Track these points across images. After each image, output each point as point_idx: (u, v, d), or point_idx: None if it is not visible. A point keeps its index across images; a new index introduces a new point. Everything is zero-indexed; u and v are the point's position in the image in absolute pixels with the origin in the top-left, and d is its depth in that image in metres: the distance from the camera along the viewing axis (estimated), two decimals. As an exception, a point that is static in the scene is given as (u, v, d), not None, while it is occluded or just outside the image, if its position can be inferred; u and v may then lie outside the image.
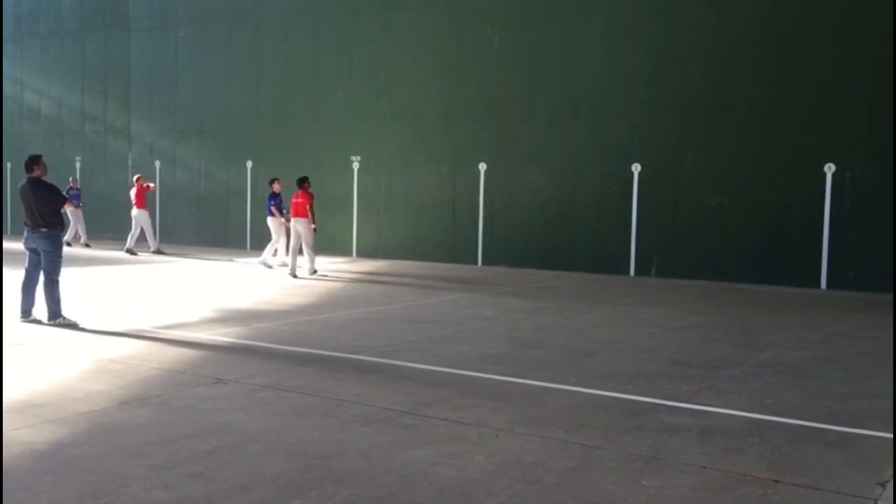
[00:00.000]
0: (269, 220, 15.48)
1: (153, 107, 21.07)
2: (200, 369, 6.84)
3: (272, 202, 15.38)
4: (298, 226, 14.20)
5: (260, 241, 19.18)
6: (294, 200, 14.38)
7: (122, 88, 21.57)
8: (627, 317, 10.29)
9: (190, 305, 10.53)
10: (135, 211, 18.13)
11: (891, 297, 12.26)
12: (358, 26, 17.87)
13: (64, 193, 9.61)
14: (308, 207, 14.16)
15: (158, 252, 18.21)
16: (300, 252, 14.32)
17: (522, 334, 8.85)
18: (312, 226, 14.27)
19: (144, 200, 18.19)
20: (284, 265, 15.03)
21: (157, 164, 20.92)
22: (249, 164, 19.52)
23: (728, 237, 14.06)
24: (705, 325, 9.68)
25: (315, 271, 14.30)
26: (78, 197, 20.97)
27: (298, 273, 14.04)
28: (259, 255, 16.01)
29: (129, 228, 18.32)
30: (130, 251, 17.91)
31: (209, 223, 20.05)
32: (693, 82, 14.38)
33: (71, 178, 20.74)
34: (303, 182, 14.29)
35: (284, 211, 15.23)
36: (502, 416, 5.58)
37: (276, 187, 15.42)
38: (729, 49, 14.05)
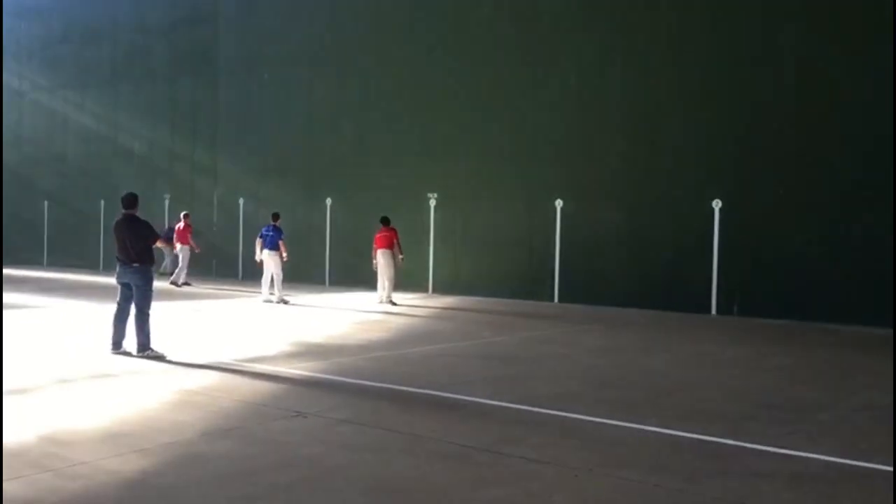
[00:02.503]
0: (272, 254, 15.69)
1: (238, 146, 21.76)
2: (281, 402, 6.95)
3: (281, 236, 15.84)
4: (383, 258, 15.49)
5: (339, 276, 19.52)
6: (379, 235, 15.69)
7: (209, 128, 22.37)
8: (708, 356, 10.02)
9: (270, 339, 10.73)
10: (178, 247, 19.34)
11: None
12: (434, 65, 18.14)
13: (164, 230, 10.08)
14: (395, 241, 15.61)
15: (185, 285, 18.76)
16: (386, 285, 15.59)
17: (599, 372, 8.72)
18: (400, 257, 15.72)
19: (188, 237, 19.43)
20: (271, 300, 15.51)
21: (241, 200, 21.53)
22: (329, 201, 19.91)
23: (813, 275, 13.59)
24: (791, 366, 9.35)
25: (393, 303, 15.44)
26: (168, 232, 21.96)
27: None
28: (338, 292, 16.20)
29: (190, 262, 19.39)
30: (176, 283, 18.86)
31: (290, 261, 20.45)
32: (773, 118, 14.05)
33: (183, 213, 21.57)
34: (387, 220, 15.76)
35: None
36: (580, 455, 5.48)
37: (278, 222, 16.05)
38: (814, 85, 13.71)
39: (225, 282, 20.20)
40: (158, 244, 9.56)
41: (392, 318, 13.61)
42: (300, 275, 20.23)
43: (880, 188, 13.08)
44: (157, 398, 7.05)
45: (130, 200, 9.46)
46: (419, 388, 7.64)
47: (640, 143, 15.50)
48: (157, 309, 9.69)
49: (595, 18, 16.01)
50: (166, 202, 23.11)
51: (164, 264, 21.33)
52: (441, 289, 17.94)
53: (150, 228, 9.49)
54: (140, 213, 9.58)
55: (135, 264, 9.20)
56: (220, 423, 6.19)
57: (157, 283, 9.88)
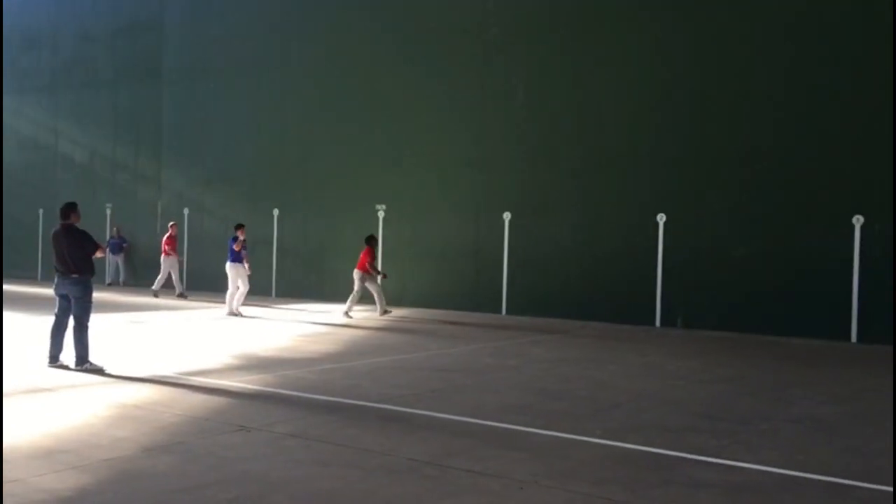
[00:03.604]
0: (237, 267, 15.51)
1: (183, 155, 21.45)
2: (224, 416, 6.84)
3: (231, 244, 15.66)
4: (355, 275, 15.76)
5: (286, 288, 19.32)
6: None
7: (153, 137, 22.00)
8: (653, 368, 10.17)
9: (214, 352, 10.57)
10: (164, 256, 19.01)
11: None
12: (382, 77, 18.14)
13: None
14: (366, 261, 15.76)
15: (181, 297, 18.57)
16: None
17: (546, 385, 8.78)
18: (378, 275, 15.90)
19: (174, 246, 19.01)
20: (234, 314, 15.22)
21: (186, 211, 21.20)
22: (276, 212, 19.73)
23: (755, 288, 13.91)
24: (733, 378, 9.53)
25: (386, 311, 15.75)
26: (118, 246, 21.51)
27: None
28: (285, 303, 16.07)
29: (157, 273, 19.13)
30: (183, 296, 18.80)
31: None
32: (715, 133, 14.39)
33: (114, 228, 21.40)
34: (366, 239, 15.93)
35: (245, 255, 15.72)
36: (526, 467, 5.51)
37: (242, 234, 15.74)
38: (752, 99, 14.08)
39: (169, 293, 19.81)
40: (98, 254, 9.34)
41: (340, 330, 13.53)
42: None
43: (820, 201, 13.46)
44: (95, 413, 6.88)
45: (69, 210, 9.25)
46: (366, 400, 7.60)
47: (587, 156, 15.71)
48: (98, 321, 9.47)
49: (543, 34, 16.20)
50: (108, 212, 22.65)
51: (117, 275, 21.05)
52: (389, 301, 17.83)
53: (90, 238, 9.28)
54: (80, 223, 9.37)
55: (73, 275, 8.99)
56: (161, 439, 6.06)
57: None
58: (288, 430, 6.38)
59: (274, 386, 8.27)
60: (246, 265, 15.70)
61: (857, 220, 13.12)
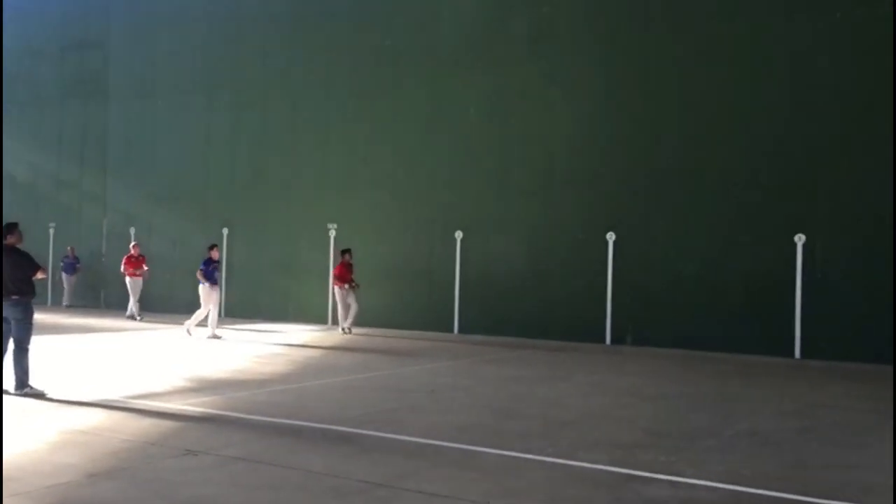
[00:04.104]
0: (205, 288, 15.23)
1: (130, 173, 21.11)
2: (171, 440, 6.70)
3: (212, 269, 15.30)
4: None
5: (236, 308, 19.06)
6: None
7: (98, 155, 21.63)
8: (603, 386, 10.26)
9: (162, 374, 10.37)
10: (129, 280, 18.34)
11: (862, 366, 12.36)
12: (334, 96, 18.13)
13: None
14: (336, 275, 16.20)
15: (131, 318, 18.18)
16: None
17: (498, 404, 8.79)
18: (346, 287, 16.05)
19: (132, 268, 18.29)
20: (216, 337, 14.85)
21: (132, 230, 20.84)
22: (225, 231, 19.51)
23: (702, 306, 14.16)
24: (681, 395, 9.67)
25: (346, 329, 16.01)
26: (72, 266, 20.93)
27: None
28: (234, 324, 15.85)
29: (104, 294, 18.61)
30: (132, 317, 18.25)
31: (184, 290, 19.86)
32: (665, 152, 14.67)
33: (69, 248, 20.85)
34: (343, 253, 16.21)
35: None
36: (478, 487, 5.50)
37: (216, 254, 15.41)
38: (700, 120, 14.40)
39: (116, 314, 19.42)
40: (39, 276, 9.11)
41: (292, 350, 13.39)
42: (194, 306, 19.66)
43: (763, 220, 13.78)
44: (37, 438, 6.68)
45: (9, 230, 9.01)
46: (317, 422, 7.51)
47: (538, 176, 15.86)
48: (41, 343, 9.22)
49: (494, 54, 16.37)
50: (51, 231, 22.15)
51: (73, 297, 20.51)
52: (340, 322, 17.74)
53: (31, 259, 9.04)
54: (22, 243, 9.13)
55: (14, 297, 8.74)
56: (106, 464, 5.91)
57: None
58: (236, 454, 6.28)
59: (223, 408, 8.13)
60: (213, 286, 15.23)
61: (799, 239, 13.45)
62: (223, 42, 19.75)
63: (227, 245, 19.49)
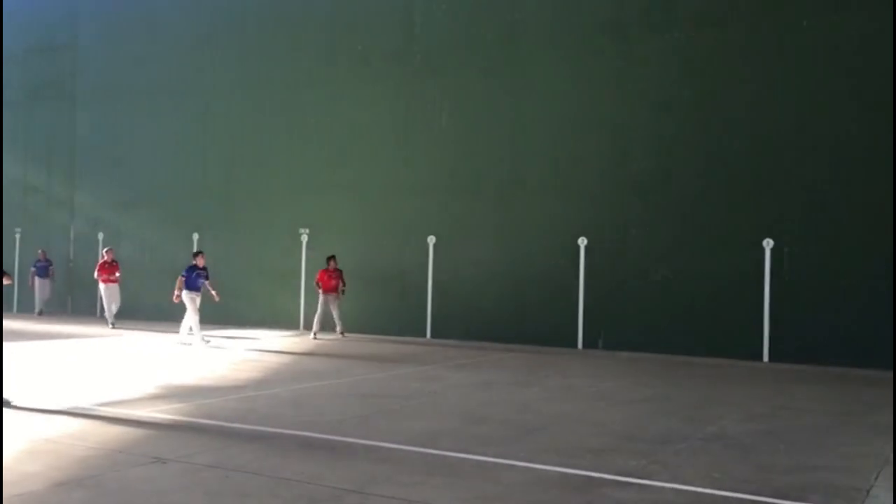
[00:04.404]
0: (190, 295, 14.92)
1: (98, 178, 20.87)
2: (139, 448, 6.63)
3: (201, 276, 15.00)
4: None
5: (206, 314, 18.82)
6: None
7: (66, 159, 21.36)
8: (575, 390, 10.31)
9: (132, 381, 10.25)
10: (102, 287, 17.93)
11: (829, 369, 12.54)
12: (306, 100, 18.07)
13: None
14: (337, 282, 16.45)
15: (110, 325, 17.73)
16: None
17: (471, 409, 8.79)
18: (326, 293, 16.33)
19: (105, 274, 17.85)
20: (206, 340, 14.74)
21: (101, 235, 20.60)
22: (196, 236, 19.35)
23: (673, 310, 14.28)
24: (652, 399, 9.74)
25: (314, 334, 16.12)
26: (45, 269, 20.47)
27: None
28: (205, 329, 15.68)
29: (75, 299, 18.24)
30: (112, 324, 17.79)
31: (153, 296, 19.66)
32: (636, 158, 14.79)
33: (39, 251, 20.40)
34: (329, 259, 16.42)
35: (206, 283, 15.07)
36: (450, 493, 5.50)
37: (201, 261, 15.12)
38: (670, 127, 14.54)
39: (85, 320, 19.18)
40: (5, 281, 8.96)
41: (264, 356, 13.30)
42: (163, 312, 19.48)
43: (732, 225, 13.93)
44: (3, 447, 6.56)
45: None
46: (288, 428, 7.47)
47: (510, 181, 15.92)
48: (7, 350, 9.07)
49: (467, 60, 16.41)
50: (17, 237, 21.82)
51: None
52: (313, 326, 17.65)
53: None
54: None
55: (-21, 304, 8.60)
56: (73, 473, 5.83)
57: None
58: (206, 461, 6.22)
59: (193, 415, 8.06)
60: (179, 293, 14.89)
61: (768, 244, 13.63)
62: (193, 45, 19.61)
63: (197, 250, 19.28)
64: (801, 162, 13.49)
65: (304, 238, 17.98)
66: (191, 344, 14.68)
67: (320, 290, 16.31)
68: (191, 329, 14.99)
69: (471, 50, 16.41)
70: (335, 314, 16.36)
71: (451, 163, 16.50)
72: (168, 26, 20.01)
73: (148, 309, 19.52)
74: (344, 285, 16.51)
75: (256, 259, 18.43)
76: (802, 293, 13.35)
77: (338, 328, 16.40)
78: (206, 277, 15.15)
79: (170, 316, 19.23)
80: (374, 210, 17.23)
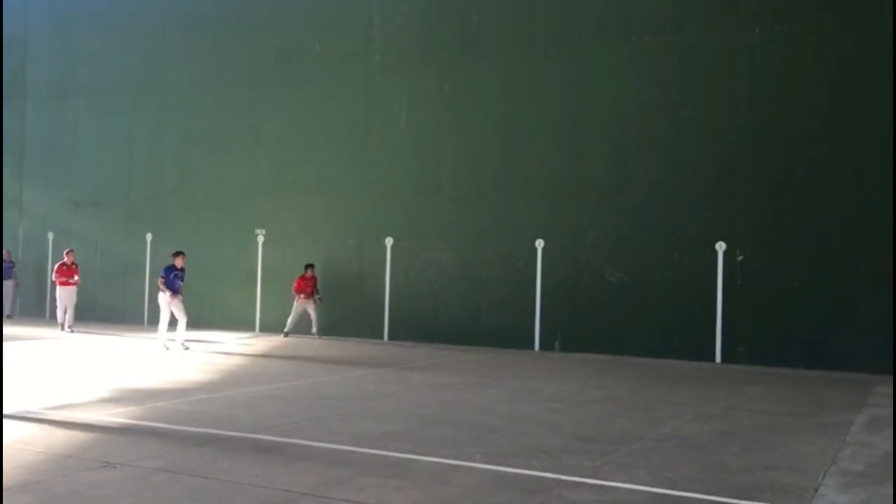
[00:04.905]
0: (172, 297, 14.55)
1: (48, 177, 20.42)
2: (88, 453, 6.49)
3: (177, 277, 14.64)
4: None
5: (159, 316, 18.53)
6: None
7: (15, 158, 20.86)
8: (531, 392, 10.35)
9: (83, 384, 10.04)
10: (64, 287, 17.30)
11: (779, 370, 12.78)
12: (263, 100, 17.91)
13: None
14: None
15: (68, 329, 17.17)
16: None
17: (427, 411, 8.78)
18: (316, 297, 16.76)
19: (64, 277, 17.29)
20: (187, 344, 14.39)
21: (50, 235, 20.16)
22: (149, 236, 19.04)
23: (628, 312, 14.43)
24: (606, 400, 9.82)
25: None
26: (10, 270, 19.70)
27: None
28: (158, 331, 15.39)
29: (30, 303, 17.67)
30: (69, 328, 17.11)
31: (106, 298, 19.32)
32: (593, 162, 14.92)
33: (5, 251, 19.62)
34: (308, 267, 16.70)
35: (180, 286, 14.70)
36: (406, 495, 5.47)
37: (180, 262, 14.76)
38: (626, 131, 14.69)
39: (34, 322, 18.74)
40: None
41: (218, 358, 13.13)
42: (117, 314, 19.16)
43: (686, 229, 14.12)
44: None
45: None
46: (242, 431, 7.38)
47: (469, 182, 15.95)
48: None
49: (425, 61, 16.40)
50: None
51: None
52: (269, 328, 17.52)
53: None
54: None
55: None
56: (20, 478, 5.68)
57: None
58: (157, 465, 6.11)
59: (144, 419, 7.92)
60: (165, 290, 14.46)
61: (720, 247, 13.84)
62: (147, 42, 19.30)
63: (152, 251, 19.02)
64: (754, 167, 13.72)
65: (261, 239, 17.81)
66: (188, 348, 14.21)
67: (299, 296, 16.56)
68: (180, 332, 14.52)
69: (429, 51, 16.41)
70: (312, 316, 16.66)
71: (409, 164, 16.48)
72: (122, 23, 19.66)
73: (101, 311, 19.16)
74: (318, 294, 16.76)
75: (212, 260, 18.18)
76: (754, 296, 13.58)
77: (314, 328, 16.65)
78: (183, 279, 14.74)
79: (122, 318, 18.94)
80: (332, 211, 17.13)
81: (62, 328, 17.13)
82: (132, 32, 19.52)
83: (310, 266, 16.69)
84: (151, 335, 16.32)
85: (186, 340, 14.35)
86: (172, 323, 14.59)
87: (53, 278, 17.50)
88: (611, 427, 8.06)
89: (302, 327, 16.84)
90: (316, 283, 16.77)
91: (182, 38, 18.95)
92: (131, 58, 19.47)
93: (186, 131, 18.82)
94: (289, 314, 16.85)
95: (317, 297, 16.75)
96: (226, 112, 18.33)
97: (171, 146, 19.00)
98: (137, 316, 18.95)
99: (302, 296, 16.55)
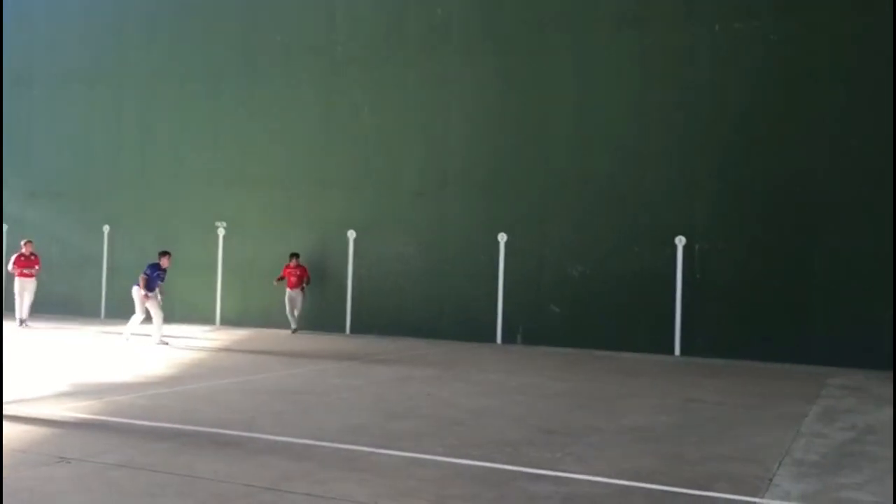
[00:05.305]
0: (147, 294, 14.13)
1: (2, 167, 19.94)
2: (44, 448, 6.37)
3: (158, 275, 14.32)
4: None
5: (117, 309, 18.24)
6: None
7: (-32, 147, 20.36)
8: (494, 385, 10.40)
9: (39, 378, 9.85)
10: (22, 278, 16.86)
11: (736, 363, 13.00)
12: (224, 92, 17.70)
13: None
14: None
15: (21, 322, 16.75)
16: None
17: (390, 404, 8.77)
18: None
19: (21, 268, 16.84)
20: (164, 341, 14.03)
21: (5, 227, 19.73)
22: (107, 228, 18.74)
23: (589, 306, 14.55)
24: (568, 392, 9.91)
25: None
26: None
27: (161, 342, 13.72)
28: (117, 325, 15.16)
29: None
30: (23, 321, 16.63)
31: (62, 290, 18.96)
32: (556, 156, 15.00)
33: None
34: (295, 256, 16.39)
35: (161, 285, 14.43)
36: (367, 489, 5.47)
37: (166, 262, 14.40)
38: (588, 125, 14.79)
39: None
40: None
41: (177, 352, 12.98)
42: (72, 306, 18.83)
43: (647, 223, 14.27)
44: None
45: None
46: (201, 426, 7.30)
47: (431, 176, 15.94)
48: None
49: (388, 53, 16.34)
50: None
51: None
52: (230, 321, 17.37)
53: None
54: None
55: None
56: (-30, 475, 5.56)
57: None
58: (114, 461, 6.03)
59: (102, 413, 7.80)
60: (146, 294, 14.02)
61: (680, 241, 14.01)
62: (105, 31, 18.95)
63: (109, 243, 18.72)
64: (714, 162, 13.91)
65: (221, 231, 17.62)
66: (168, 343, 13.87)
67: (286, 287, 16.29)
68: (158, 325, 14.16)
69: (393, 43, 16.34)
70: (296, 311, 16.38)
71: (372, 157, 16.41)
72: (80, 11, 19.27)
73: (57, 303, 18.79)
74: (308, 281, 16.50)
75: (172, 253, 17.88)
76: (713, 289, 13.78)
77: (292, 325, 16.36)
78: (163, 279, 14.44)
79: (79, 311, 18.62)
80: (294, 204, 17.00)
81: (20, 323, 16.73)
82: (89, 21, 19.15)
83: (294, 255, 16.34)
84: (110, 328, 16.08)
85: (164, 336, 14.09)
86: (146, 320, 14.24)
87: (10, 269, 17.10)
88: (572, 419, 8.13)
89: (282, 321, 16.58)
90: (304, 273, 16.38)
91: (140, 26, 18.64)
92: (88, 47, 19.11)
93: (145, 122, 18.53)
94: (253, 308, 16.71)
95: (303, 285, 16.40)
96: (185, 102, 18.09)
97: (129, 137, 18.69)
98: (94, 309, 18.66)
99: (289, 287, 16.25)
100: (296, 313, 16.39)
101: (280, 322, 16.68)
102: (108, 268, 18.66)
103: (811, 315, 13.13)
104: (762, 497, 5.53)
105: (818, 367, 12.47)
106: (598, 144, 14.73)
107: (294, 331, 16.27)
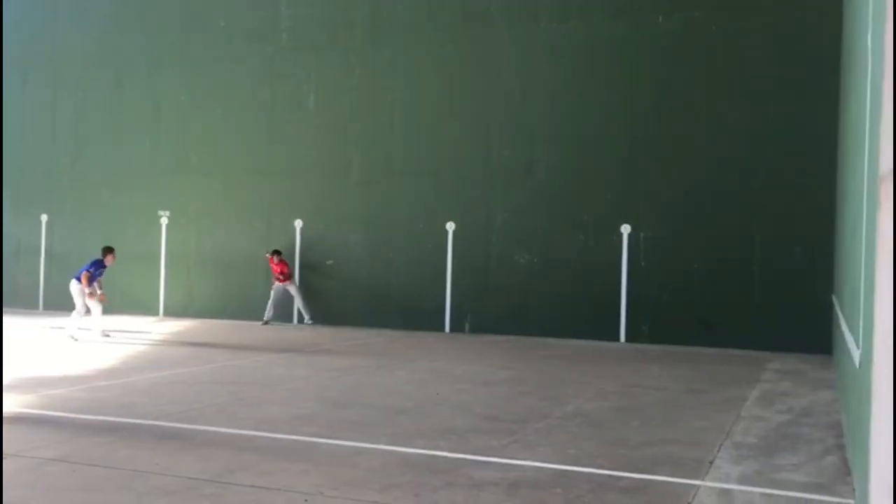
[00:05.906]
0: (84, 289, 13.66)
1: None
2: (-24, 444, 6.18)
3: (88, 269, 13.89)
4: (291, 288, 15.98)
5: (55, 300, 17.77)
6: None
7: None
8: (440, 373, 10.42)
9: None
10: None
11: (679, 349, 13.25)
12: (164, 77, 17.32)
13: None
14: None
15: None
16: None
17: (335, 393, 8.73)
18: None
19: None
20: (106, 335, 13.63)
21: (-64, 217, 19.07)
22: (44, 217, 18.23)
23: (536, 294, 14.66)
24: (514, 380, 9.98)
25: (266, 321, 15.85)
26: None
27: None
28: (54, 316, 14.77)
29: None
30: None
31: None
32: (501, 144, 15.05)
33: None
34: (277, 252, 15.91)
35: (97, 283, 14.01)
36: (311, 479, 5.43)
37: (111, 260, 14.03)
38: (533, 115, 14.86)
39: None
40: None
41: (118, 345, 12.71)
42: (7, 297, 18.29)
43: (592, 211, 14.42)
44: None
45: None
46: (142, 418, 7.17)
47: (378, 164, 15.85)
48: None
49: (334, 41, 16.17)
50: None
51: None
52: (173, 312, 17.07)
53: None
54: None
55: None
56: None
57: None
58: (52, 455, 5.88)
59: (38, 407, 7.60)
60: (90, 290, 13.60)
61: (625, 229, 14.19)
62: (38, 15, 18.38)
63: (47, 233, 18.22)
64: (657, 151, 14.10)
65: (164, 221, 17.28)
66: (109, 335, 13.53)
67: (275, 280, 15.87)
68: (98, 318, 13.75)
69: (339, 31, 16.17)
70: (299, 304, 16.02)
71: (318, 144, 16.25)
72: (12, -7, 18.66)
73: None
74: (282, 277, 15.92)
75: (112, 243, 17.41)
76: (656, 277, 14.00)
77: (306, 317, 15.93)
78: (103, 275, 14.09)
79: (14, 302, 18.10)
80: (239, 192, 16.75)
81: None
82: (22, 5, 18.55)
83: (275, 252, 15.81)
84: (48, 321, 15.68)
85: (105, 329, 13.74)
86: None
87: None
88: (517, 406, 8.19)
89: (224, 311, 16.35)
90: (285, 267, 15.86)
91: (75, 9, 18.12)
92: (22, 32, 18.51)
93: (82, 109, 18.04)
94: (196, 299, 16.41)
95: (280, 278, 15.86)
96: (124, 89, 17.65)
97: (65, 124, 18.18)
98: (32, 300, 18.16)
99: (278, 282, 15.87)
100: (301, 307, 16.01)
101: (225, 312, 16.46)
102: (47, 258, 18.17)
103: (750, 302, 13.44)
104: (703, 479, 5.65)
105: (758, 353, 12.78)
106: (541, 133, 14.81)
107: (265, 322, 15.85)
